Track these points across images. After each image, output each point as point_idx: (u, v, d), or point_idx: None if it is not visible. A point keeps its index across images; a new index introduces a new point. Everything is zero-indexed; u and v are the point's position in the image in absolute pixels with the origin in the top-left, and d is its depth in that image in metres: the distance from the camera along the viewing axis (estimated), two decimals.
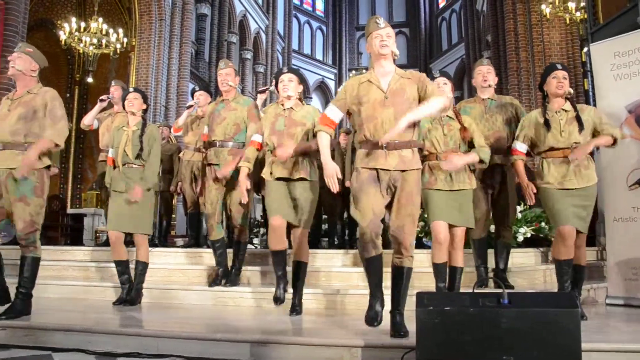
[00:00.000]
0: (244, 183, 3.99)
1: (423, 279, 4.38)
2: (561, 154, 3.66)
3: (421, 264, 4.73)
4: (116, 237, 4.34)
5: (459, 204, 3.82)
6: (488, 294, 2.60)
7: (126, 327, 3.44)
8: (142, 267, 4.42)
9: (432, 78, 3.90)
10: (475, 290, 2.76)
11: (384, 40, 3.15)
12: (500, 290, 2.54)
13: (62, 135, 3.74)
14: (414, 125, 3.11)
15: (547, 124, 3.70)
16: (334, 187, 3.11)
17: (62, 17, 13.06)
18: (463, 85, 21.20)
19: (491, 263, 4.49)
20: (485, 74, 4.44)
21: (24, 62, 3.83)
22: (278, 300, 3.96)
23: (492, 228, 4.64)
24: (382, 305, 3.21)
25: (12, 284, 3.88)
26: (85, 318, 3.74)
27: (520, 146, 3.89)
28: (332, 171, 3.10)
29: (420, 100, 3.13)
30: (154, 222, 6.26)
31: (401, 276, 3.14)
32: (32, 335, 3.39)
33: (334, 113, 3.24)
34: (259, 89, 4.88)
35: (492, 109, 4.40)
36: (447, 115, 3.90)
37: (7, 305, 3.74)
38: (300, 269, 3.91)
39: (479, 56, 17.93)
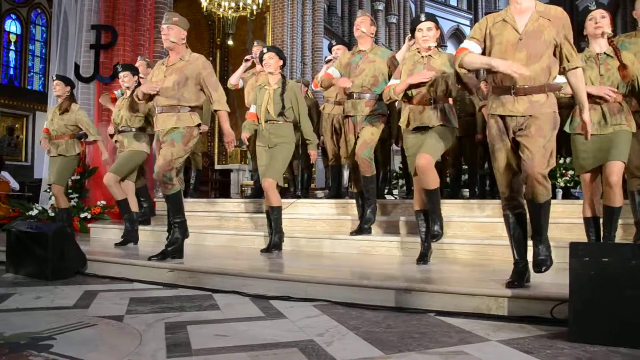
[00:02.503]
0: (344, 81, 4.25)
1: (574, 231, 4.14)
2: None
3: (565, 214, 4.48)
4: (269, 183, 4.55)
5: (612, 143, 3.48)
6: None
7: (276, 272, 3.66)
8: (276, 211, 4.64)
9: (588, 10, 3.56)
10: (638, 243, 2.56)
11: None
12: None
13: (224, 100, 4.24)
14: (550, 67, 2.85)
15: None
16: (518, 69, 2.71)
17: None
18: (616, 21, 19.06)
19: None
20: None
21: (176, 33, 4.16)
22: (436, 236, 4.05)
23: None
24: (526, 269, 3.01)
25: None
26: (238, 264, 4.03)
27: None
28: (507, 62, 2.74)
29: (555, 50, 2.85)
30: (297, 175, 6.55)
31: (537, 210, 2.93)
32: (195, 277, 3.76)
33: (472, 46, 2.96)
34: (409, 37, 4.75)
35: None
36: (605, 53, 3.55)
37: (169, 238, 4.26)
38: (431, 197, 3.86)
39: None
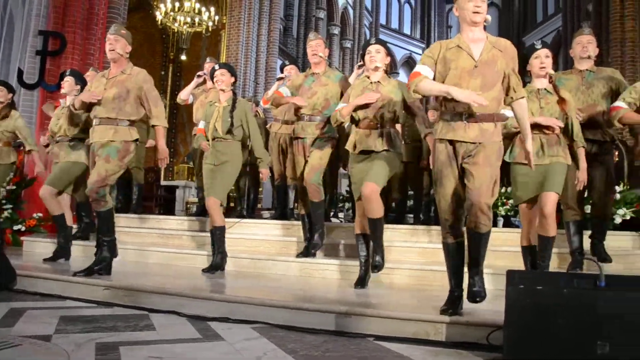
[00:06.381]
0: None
1: (510, 259, 4.25)
2: None
3: (506, 242, 4.59)
4: (214, 201, 4.48)
5: (547, 174, 3.59)
6: (584, 275, 2.48)
7: (216, 293, 3.59)
8: (219, 231, 4.55)
9: (534, 48, 3.71)
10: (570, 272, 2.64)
11: (479, 5, 2.89)
12: (595, 272, 2.41)
13: (163, 116, 4.21)
14: (500, 97, 2.94)
15: None
16: (480, 101, 2.73)
17: None
18: (558, 60, 19.98)
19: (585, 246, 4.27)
20: (585, 44, 4.19)
21: (122, 45, 4.11)
22: (376, 267, 3.89)
23: (588, 209, 4.41)
24: (461, 298, 3.02)
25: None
26: (178, 283, 3.93)
27: (622, 103, 3.60)
28: (467, 91, 2.77)
29: (504, 79, 2.94)
30: (243, 194, 6.48)
31: (477, 241, 2.96)
32: (131, 295, 3.63)
33: (426, 70, 2.95)
34: (358, 65, 4.83)
35: (589, 81, 4.15)
36: (545, 89, 3.71)
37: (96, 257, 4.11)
38: (375, 225, 3.82)
39: (577, 27, 16.82)
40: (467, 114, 2.89)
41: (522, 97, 2.99)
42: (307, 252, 4.62)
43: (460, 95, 2.76)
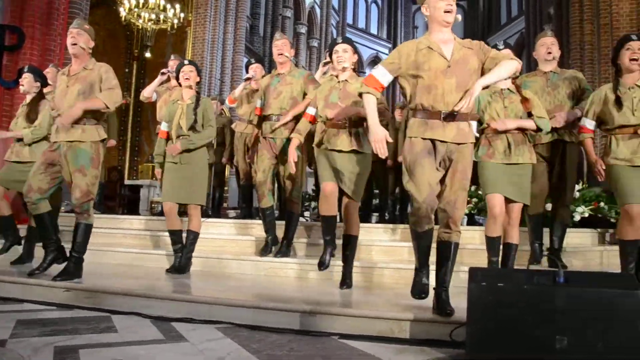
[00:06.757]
0: (293, 154, 3.97)
1: (475, 256, 4.32)
2: (632, 130, 3.48)
3: (472, 240, 4.66)
4: (170, 207, 4.44)
5: (516, 178, 3.69)
6: (543, 272, 2.53)
7: (180, 293, 3.54)
8: (194, 236, 4.51)
9: (497, 49, 3.75)
10: (530, 268, 2.69)
11: (451, 5, 2.91)
12: (555, 269, 2.46)
13: (112, 99, 3.89)
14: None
15: (618, 102, 3.50)
16: (382, 153, 2.89)
17: None
18: (522, 61, 20.47)
19: (546, 241, 4.36)
20: (549, 46, 4.28)
21: (85, 40, 3.97)
22: (322, 264, 3.91)
23: (549, 206, 4.50)
24: (428, 279, 3.06)
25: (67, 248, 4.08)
26: (141, 283, 3.87)
27: (589, 124, 3.72)
28: (381, 135, 2.89)
29: (484, 70, 2.94)
30: (207, 194, 6.40)
31: (449, 251, 3.00)
32: (93, 297, 3.55)
33: (384, 76, 2.97)
34: (323, 62, 4.85)
35: (554, 82, 4.24)
36: (508, 89, 3.78)
37: (63, 266, 3.97)
38: (350, 242, 3.89)
39: (539, 30, 17.21)
40: (443, 113, 2.88)
41: (504, 58, 2.92)
42: (278, 251, 4.60)
43: (371, 137, 2.92)
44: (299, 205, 4.61)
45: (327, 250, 3.96)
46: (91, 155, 3.91)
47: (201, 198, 4.51)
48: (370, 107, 2.99)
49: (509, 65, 2.88)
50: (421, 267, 3.05)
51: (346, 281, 3.86)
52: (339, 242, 4.03)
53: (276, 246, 4.64)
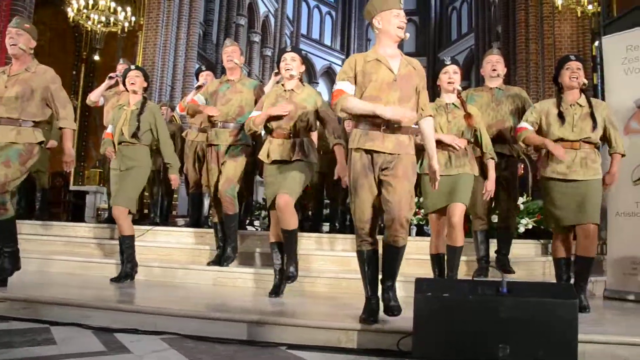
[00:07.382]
0: (280, 109, 3.78)
1: (422, 267, 4.37)
2: (569, 145, 3.60)
3: (419, 250, 4.72)
4: (119, 211, 4.32)
5: (454, 185, 3.73)
6: (487, 282, 2.60)
7: (124, 303, 3.45)
8: (128, 240, 4.37)
9: (443, 64, 3.85)
10: (475, 279, 2.76)
11: (405, 22, 2.98)
12: (499, 279, 2.53)
13: (72, 118, 3.92)
14: (414, 111, 3.03)
15: (561, 117, 3.62)
16: (411, 115, 2.92)
17: None
18: (470, 76, 21.04)
19: (491, 253, 4.48)
20: (494, 64, 4.41)
21: (25, 40, 3.83)
22: (290, 279, 3.81)
23: (494, 219, 4.63)
24: (378, 306, 3.02)
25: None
26: (83, 293, 3.75)
27: (527, 125, 3.79)
28: (394, 110, 2.87)
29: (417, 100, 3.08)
30: (156, 202, 6.29)
31: (395, 255, 2.99)
32: (31, 308, 3.40)
33: (348, 87, 2.97)
34: (275, 72, 4.83)
35: (499, 98, 4.38)
36: (453, 103, 3.86)
37: None
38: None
39: (488, 47, 17.77)
40: (384, 125, 2.93)
41: (430, 116, 3.13)
42: (219, 261, 4.54)
43: (388, 113, 2.85)
44: (235, 206, 4.41)
45: (293, 264, 3.83)
46: (20, 152, 3.73)
47: (127, 201, 4.32)
48: (357, 101, 2.97)
49: (431, 129, 3.17)
50: (372, 294, 3.05)
51: (290, 275, 3.81)
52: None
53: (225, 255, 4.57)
